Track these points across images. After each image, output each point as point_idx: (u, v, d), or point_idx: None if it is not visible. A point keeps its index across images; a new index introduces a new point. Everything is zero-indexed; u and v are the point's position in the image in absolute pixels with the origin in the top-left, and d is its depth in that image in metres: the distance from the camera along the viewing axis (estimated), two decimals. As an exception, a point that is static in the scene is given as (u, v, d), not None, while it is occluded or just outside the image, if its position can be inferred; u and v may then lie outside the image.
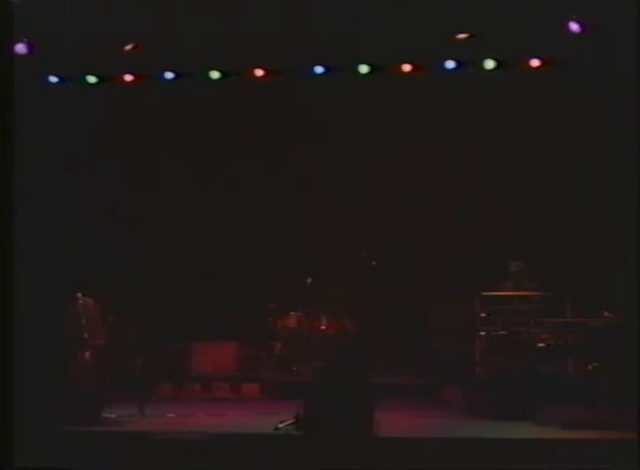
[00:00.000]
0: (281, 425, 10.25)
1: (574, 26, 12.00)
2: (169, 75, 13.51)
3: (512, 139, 14.28)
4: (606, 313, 11.56)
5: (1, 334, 8.53)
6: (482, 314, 12.86)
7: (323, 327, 14.25)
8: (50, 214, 13.55)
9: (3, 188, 8.81)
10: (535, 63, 12.91)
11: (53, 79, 13.47)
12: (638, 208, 10.90)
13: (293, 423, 10.04)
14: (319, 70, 13.21)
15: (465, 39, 12.37)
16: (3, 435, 8.21)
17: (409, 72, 13.09)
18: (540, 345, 12.02)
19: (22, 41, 12.17)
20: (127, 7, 11.76)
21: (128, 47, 12.69)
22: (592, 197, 13.59)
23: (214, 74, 13.48)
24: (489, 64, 12.94)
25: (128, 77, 13.57)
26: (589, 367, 11.10)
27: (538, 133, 14.06)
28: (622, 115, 11.46)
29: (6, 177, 8.87)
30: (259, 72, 13.36)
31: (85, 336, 11.99)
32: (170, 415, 11.80)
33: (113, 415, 11.24)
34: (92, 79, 13.58)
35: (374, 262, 14.21)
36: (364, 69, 13.14)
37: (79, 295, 12.17)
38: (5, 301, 8.63)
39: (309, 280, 14.38)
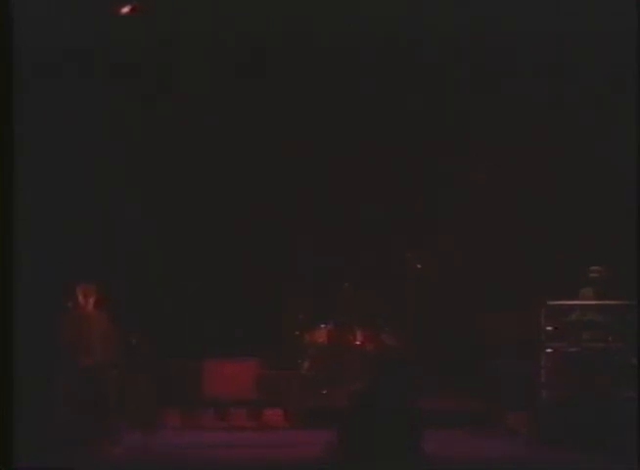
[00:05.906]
0: None
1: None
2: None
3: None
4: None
5: (1, 335, 8.87)
6: (549, 328, 12.29)
7: (359, 342, 13.78)
8: (53, 219, 13.45)
9: (3, 188, 9.10)
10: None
11: None
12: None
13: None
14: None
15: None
16: (3, 435, 8.60)
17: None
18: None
19: None
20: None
21: (126, 9, 12.90)
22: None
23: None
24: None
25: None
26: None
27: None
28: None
29: (6, 177, 9.16)
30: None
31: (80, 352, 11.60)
32: (178, 447, 11.37)
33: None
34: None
35: (421, 265, 13.88)
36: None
37: (81, 305, 11.84)
38: (5, 300, 8.93)
39: (345, 285, 13.97)
